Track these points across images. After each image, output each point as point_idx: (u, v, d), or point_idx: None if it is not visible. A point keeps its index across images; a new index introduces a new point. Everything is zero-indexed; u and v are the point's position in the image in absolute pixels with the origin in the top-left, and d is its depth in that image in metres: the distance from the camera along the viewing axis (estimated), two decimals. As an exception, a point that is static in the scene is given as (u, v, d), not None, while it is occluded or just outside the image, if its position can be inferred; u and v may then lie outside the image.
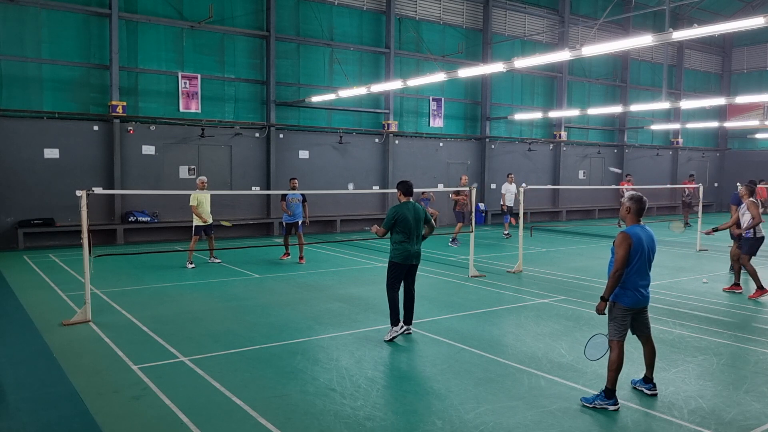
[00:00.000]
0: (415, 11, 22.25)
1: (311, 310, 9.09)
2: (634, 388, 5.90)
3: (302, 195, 13.75)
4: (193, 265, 12.81)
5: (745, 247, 10.38)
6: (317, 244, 16.49)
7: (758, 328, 8.27)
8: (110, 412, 5.29)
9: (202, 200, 13.06)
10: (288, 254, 14.01)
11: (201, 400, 5.54)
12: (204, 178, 13.37)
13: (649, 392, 5.79)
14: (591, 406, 5.45)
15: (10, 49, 15.45)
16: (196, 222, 13.05)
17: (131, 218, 16.91)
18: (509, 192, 19.05)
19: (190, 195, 13.22)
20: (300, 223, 13.67)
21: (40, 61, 15.82)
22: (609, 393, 5.44)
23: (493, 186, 24.51)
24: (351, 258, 14.41)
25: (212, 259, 13.64)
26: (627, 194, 5.70)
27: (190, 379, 6.12)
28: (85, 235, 8.13)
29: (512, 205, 19.04)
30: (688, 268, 13.30)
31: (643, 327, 5.76)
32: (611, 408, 5.40)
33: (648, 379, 5.86)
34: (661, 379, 6.17)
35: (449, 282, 11.24)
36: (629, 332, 5.68)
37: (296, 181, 14.02)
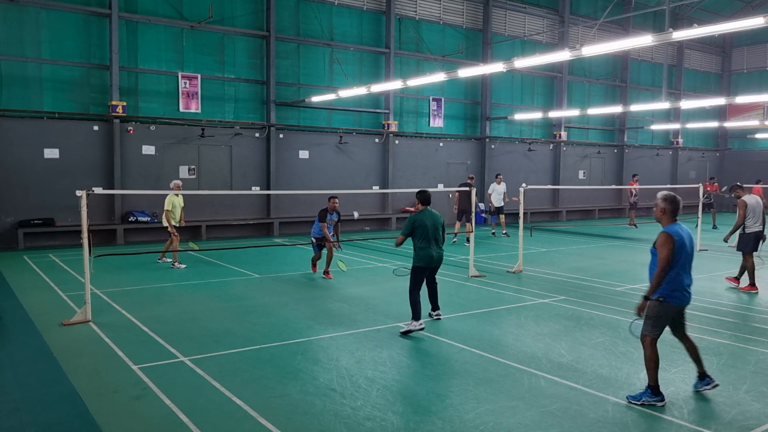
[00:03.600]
0: (415, 11, 22.25)
1: (311, 310, 9.09)
2: (698, 391, 5.80)
3: (338, 213, 11.95)
4: (183, 265, 12.77)
5: (740, 244, 10.81)
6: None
7: (758, 328, 8.27)
8: (110, 412, 5.29)
9: (176, 204, 12.95)
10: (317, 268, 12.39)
11: (201, 400, 5.55)
12: (179, 182, 13.21)
13: (710, 388, 5.77)
14: (639, 403, 5.51)
15: (10, 49, 15.46)
16: (172, 222, 12.84)
17: (131, 218, 16.92)
18: (496, 192, 19.09)
19: (173, 198, 12.93)
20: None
21: (40, 61, 15.83)
22: (654, 390, 5.54)
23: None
24: (351, 258, 14.40)
25: (164, 259, 13.33)
26: (660, 194, 5.74)
27: (190, 379, 6.12)
28: (85, 235, 8.13)
29: (501, 205, 19.06)
30: (688, 268, 13.29)
31: (682, 325, 5.86)
32: (658, 404, 5.49)
33: (702, 375, 5.83)
34: (661, 379, 6.16)
35: (449, 282, 11.24)
36: (667, 335, 5.79)
37: (336, 200, 11.86)
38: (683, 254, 5.49)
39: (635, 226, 22.14)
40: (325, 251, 11.99)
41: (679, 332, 5.87)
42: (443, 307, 9.16)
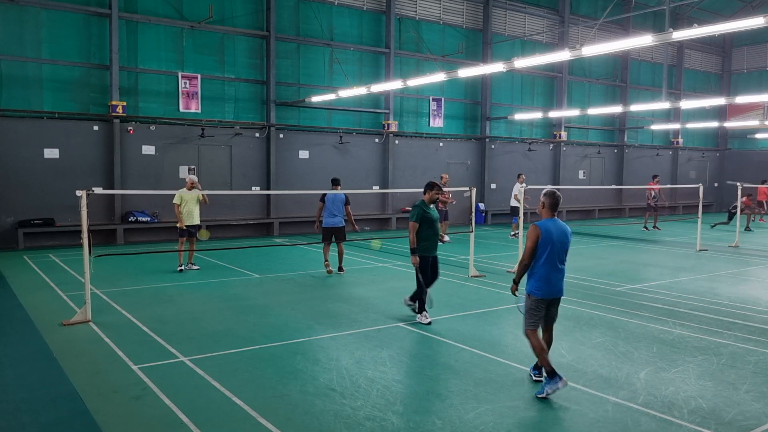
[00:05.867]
0: (415, 11, 22.25)
1: (311, 310, 9.09)
2: (530, 376, 6.10)
3: (345, 196, 12.22)
4: (182, 268, 12.35)
5: None
6: (317, 244, 16.48)
7: (758, 328, 8.27)
8: (110, 412, 5.29)
9: (187, 199, 12.33)
10: (330, 268, 12.22)
11: (201, 400, 5.54)
12: (194, 178, 12.75)
13: (534, 378, 6.01)
14: (545, 395, 5.59)
15: (10, 49, 15.46)
16: (181, 217, 12.32)
17: (131, 218, 16.92)
18: (521, 193, 18.83)
19: (182, 194, 12.40)
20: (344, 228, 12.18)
21: (40, 61, 15.83)
22: (551, 374, 5.62)
23: (493, 186, 24.51)
24: (351, 258, 14.39)
25: (189, 265, 12.65)
26: (544, 190, 5.97)
27: (190, 379, 6.12)
28: (85, 235, 8.13)
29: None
30: (688, 268, 13.31)
31: (550, 318, 6.02)
32: (560, 385, 5.56)
33: (537, 366, 6.06)
34: (661, 379, 6.18)
35: (449, 282, 11.24)
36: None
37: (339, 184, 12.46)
38: (548, 249, 5.71)
39: (653, 228, 21.79)
40: (334, 245, 12.36)
41: (547, 324, 6.02)
42: (444, 307, 9.16)
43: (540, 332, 5.96)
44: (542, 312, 5.86)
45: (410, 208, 22.31)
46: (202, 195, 12.67)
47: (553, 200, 5.86)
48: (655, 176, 22.11)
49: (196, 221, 12.62)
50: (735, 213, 21.12)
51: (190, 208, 12.45)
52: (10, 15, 15.43)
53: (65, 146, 16.25)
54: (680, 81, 31.03)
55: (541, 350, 5.75)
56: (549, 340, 6.04)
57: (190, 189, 12.50)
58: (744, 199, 20.68)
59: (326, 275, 12.10)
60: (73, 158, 16.35)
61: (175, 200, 12.42)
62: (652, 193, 21.56)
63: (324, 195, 12.15)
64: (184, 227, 12.44)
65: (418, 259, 8.21)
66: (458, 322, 8.41)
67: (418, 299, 8.44)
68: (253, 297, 10.05)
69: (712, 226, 21.49)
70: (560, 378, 5.57)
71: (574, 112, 23.82)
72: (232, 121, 18.64)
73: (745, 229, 21.37)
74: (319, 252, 15.26)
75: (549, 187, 6.03)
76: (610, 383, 6.04)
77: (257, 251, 15.23)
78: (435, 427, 5.01)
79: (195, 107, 18.00)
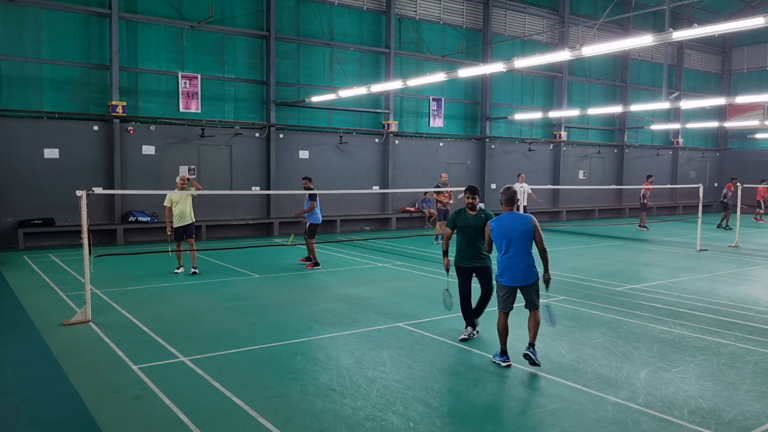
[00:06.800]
0: (415, 11, 22.25)
1: (311, 310, 9.09)
2: (526, 355, 6.35)
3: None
4: (180, 270, 12.12)
5: None
6: (317, 244, 16.46)
7: (758, 328, 8.27)
8: (110, 412, 5.29)
9: (177, 200, 11.93)
10: (318, 264, 12.97)
11: (201, 400, 5.55)
12: (185, 176, 12.59)
13: (532, 355, 6.27)
14: (493, 360, 6.60)
15: (10, 49, 15.46)
16: (174, 224, 11.97)
17: (131, 218, 16.92)
18: (519, 192, 18.81)
19: (171, 195, 12.07)
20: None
21: (40, 61, 15.83)
22: (501, 353, 6.55)
23: (493, 186, 24.50)
24: (351, 258, 14.41)
25: (192, 269, 12.10)
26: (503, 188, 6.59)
27: (190, 379, 6.12)
28: (85, 235, 8.13)
29: (524, 205, 18.93)
30: (688, 268, 13.31)
31: (528, 301, 6.48)
32: (503, 364, 6.46)
33: (530, 345, 6.38)
34: (661, 379, 6.18)
35: (449, 282, 11.21)
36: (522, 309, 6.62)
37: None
38: (504, 241, 6.34)
39: (646, 228, 21.75)
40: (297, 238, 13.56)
41: (527, 306, 6.50)
42: (443, 307, 9.13)
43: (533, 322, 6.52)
44: (507, 296, 6.47)
45: (410, 209, 22.70)
46: (195, 186, 12.47)
47: (506, 195, 6.47)
48: (649, 176, 22.17)
49: (189, 221, 12.13)
50: (725, 201, 21.29)
51: (181, 208, 12.00)
52: (10, 15, 15.43)
53: (65, 146, 16.25)
54: (680, 81, 31.02)
55: (502, 332, 6.50)
56: (534, 322, 6.40)
57: (181, 188, 12.16)
58: (728, 184, 20.80)
59: (322, 274, 12.18)
60: (73, 158, 16.35)
61: (165, 203, 12.16)
62: (647, 193, 21.66)
63: (315, 194, 12.80)
64: (170, 232, 12.10)
65: (447, 260, 7.62)
66: (458, 322, 8.40)
67: (462, 313, 7.72)
68: (253, 297, 10.05)
69: (725, 228, 21.40)
70: (507, 359, 6.47)
71: (574, 112, 23.83)
72: (232, 121, 18.64)
73: (717, 226, 21.41)
74: (319, 252, 15.27)
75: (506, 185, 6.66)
76: (610, 383, 6.04)
77: (257, 251, 15.23)
78: (435, 427, 5.01)
79: (195, 107, 18.00)
